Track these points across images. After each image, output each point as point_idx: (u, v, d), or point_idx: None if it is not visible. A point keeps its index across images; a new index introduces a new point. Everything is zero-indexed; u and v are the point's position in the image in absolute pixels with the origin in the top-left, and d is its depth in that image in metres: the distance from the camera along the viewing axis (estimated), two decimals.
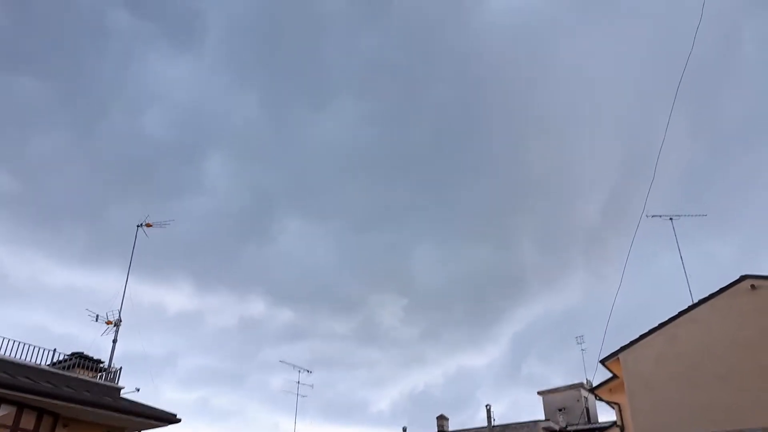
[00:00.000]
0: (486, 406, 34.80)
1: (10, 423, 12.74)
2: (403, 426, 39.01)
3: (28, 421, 13.05)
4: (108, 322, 17.57)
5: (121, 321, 17.65)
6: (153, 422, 15.35)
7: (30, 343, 14.33)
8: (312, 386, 39.99)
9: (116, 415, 14.37)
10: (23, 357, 14.13)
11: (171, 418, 15.50)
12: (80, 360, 15.97)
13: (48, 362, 14.78)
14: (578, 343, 36.27)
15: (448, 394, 67.58)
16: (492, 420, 34.75)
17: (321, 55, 63.91)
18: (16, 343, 14.03)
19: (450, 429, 37.38)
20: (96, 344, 17.68)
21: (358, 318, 71.56)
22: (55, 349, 15.05)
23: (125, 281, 18.45)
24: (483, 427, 34.69)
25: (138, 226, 19.52)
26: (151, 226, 19.62)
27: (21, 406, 12.92)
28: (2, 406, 12.61)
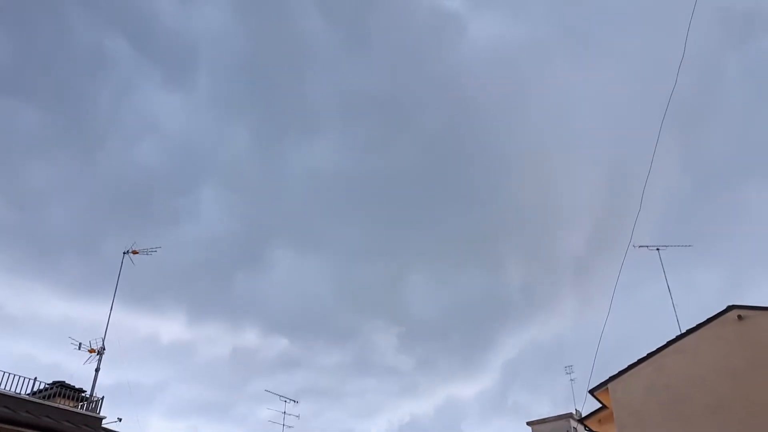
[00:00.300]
0: None
1: None
2: None
3: None
4: (91, 351, 17.27)
5: (104, 349, 17.38)
6: None
7: (10, 371, 14.06)
8: (298, 416, 39.39)
9: None
10: (3, 386, 13.84)
11: None
12: (61, 389, 15.66)
13: (28, 391, 14.48)
14: (567, 373, 36.06)
15: (437, 424, 66.73)
16: None
17: (305, 87, 64.72)
18: None
19: None
20: (81, 374, 17.38)
21: (352, 347, 70.88)
22: (35, 378, 14.78)
23: (110, 309, 18.23)
24: None
25: (124, 253, 19.35)
26: (137, 253, 19.46)
27: None
28: None
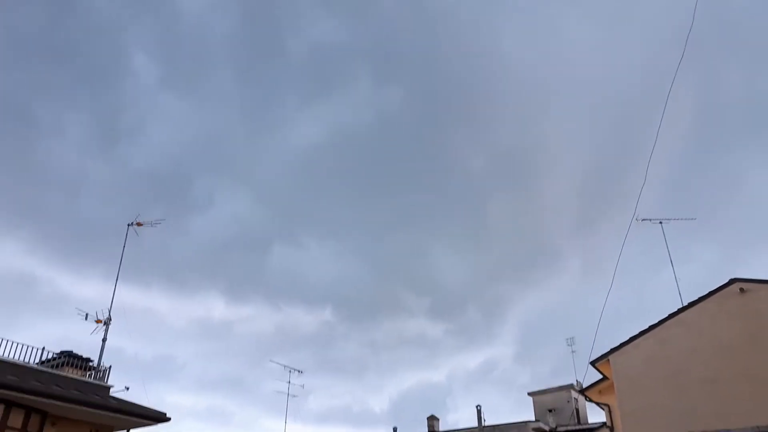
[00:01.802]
0: (477, 406, 34.87)
1: None
2: (393, 426, 39.09)
3: (16, 419, 12.99)
4: (98, 321, 17.49)
5: (111, 320, 17.59)
6: (142, 421, 15.30)
7: (18, 341, 14.26)
8: (303, 386, 39.95)
9: (105, 413, 14.31)
10: (11, 355, 14.05)
11: (160, 417, 15.45)
12: (69, 359, 15.89)
13: (36, 361, 14.70)
14: (569, 345, 36.42)
15: (444, 394, 67.79)
16: (483, 420, 34.84)
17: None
18: (4, 341, 13.96)
19: (440, 429, 37.43)
20: (93, 345, 17.58)
21: (378, 322, 71.95)
22: (44, 348, 14.98)
23: (115, 280, 18.39)
24: (473, 428, 34.76)
25: (129, 225, 19.46)
26: (141, 225, 19.55)
27: (9, 405, 12.85)
28: None
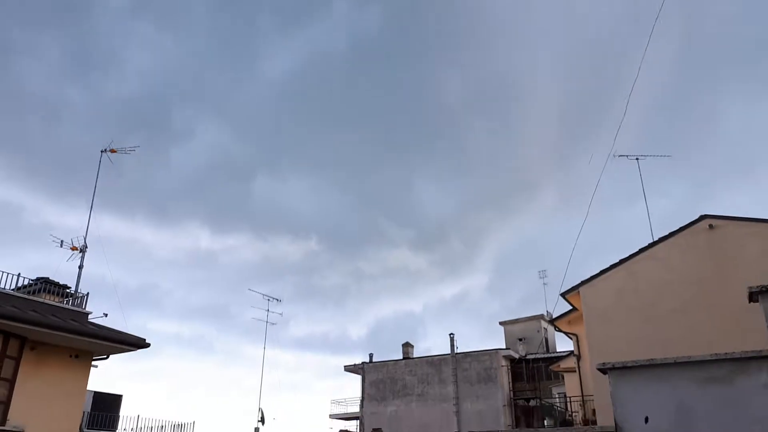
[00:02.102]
0: (450, 334, 35.97)
1: None
2: (369, 353, 40.22)
3: None
4: (73, 248, 17.35)
5: (86, 247, 17.46)
6: (121, 346, 15.44)
7: None
8: (281, 314, 40.62)
9: (84, 338, 14.40)
10: None
11: (140, 343, 15.61)
12: (45, 285, 15.83)
13: (12, 287, 14.61)
14: (540, 277, 37.39)
15: (420, 323, 69.66)
16: (455, 347, 35.97)
17: None
18: None
19: (415, 356, 38.64)
20: (73, 275, 17.48)
21: (362, 253, 72.69)
22: (19, 274, 14.86)
23: (90, 208, 18.14)
24: (446, 354, 35.94)
25: (102, 151, 19.02)
26: (115, 152, 19.12)
27: None
28: None
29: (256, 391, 27.86)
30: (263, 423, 28.20)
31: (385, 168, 74.87)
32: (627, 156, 19.98)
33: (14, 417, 13.09)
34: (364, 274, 75.68)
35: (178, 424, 17.16)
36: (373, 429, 29.69)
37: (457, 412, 33.95)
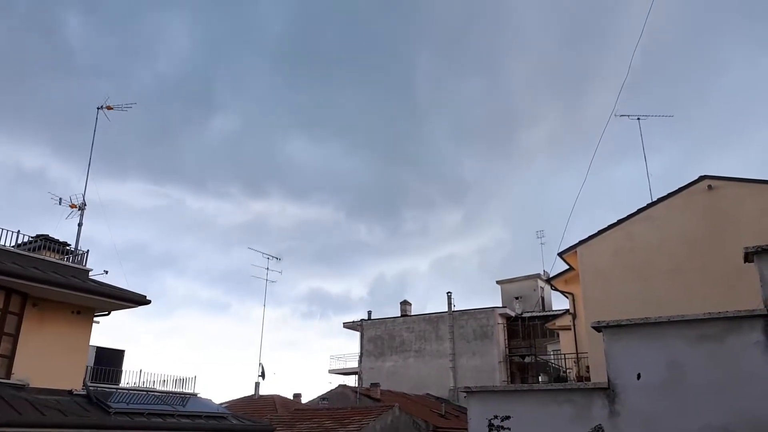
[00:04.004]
0: (447, 293, 36.39)
1: None
2: (368, 310, 40.75)
3: None
4: (72, 206, 17.36)
5: (85, 205, 17.47)
6: (122, 303, 15.62)
7: None
8: (281, 272, 40.92)
9: (85, 295, 14.55)
10: None
11: (140, 299, 15.79)
12: (46, 242, 15.89)
13: (12, 244, 14.68)
14: (538, 237, 37.57)
15: (419, 280, 70.39)
16: (452, 306, 36.41)
17: None
18: None
19: (412, 314, 39.16)
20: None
21: (372, 212, 73.07)
22: (18, 231, 14.91)
23: (87, 165, 18.08)
24: (444, 312, 36.42)
25: (98, 108, 18.82)
26: (111, 108, 18.93)
27: None
28: None
29: (259, 347, 28.35)
30: (263, 378, 28.84)
31: (399, 125, 74.67)
32: (629, 116, 19.82)
33: (19, 371, 13.33)
34: (372, 232, 76.10)
35: (180, 379, 17.50)
36: (371, 383, 30.31)
37: (453, 368, 34.61)
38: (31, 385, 13.29)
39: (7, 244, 14.42)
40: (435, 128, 76.91)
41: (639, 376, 5.91)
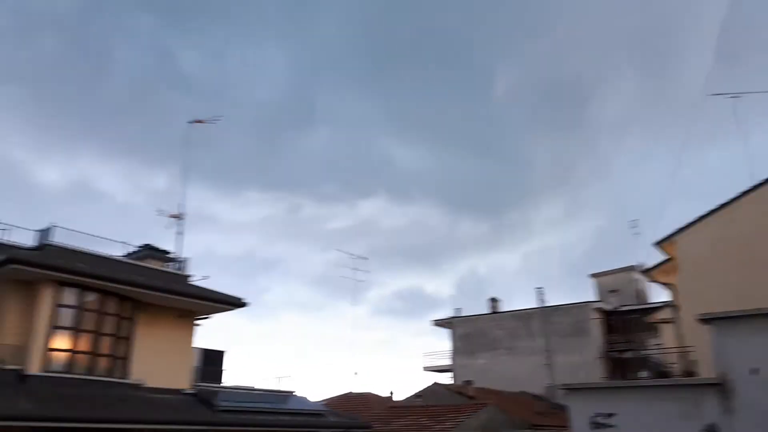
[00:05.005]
0: (537, 288, 35.58)
1: (95, 307, 13.88)
2: (456, 307, 40.53)
3: (111, 306, 14.18)
4: (171, 216, 18.40)
5: (184, 215, 18.47)
6: (221, 306, 16.43)
7: (103, 236, 15.21)
8: (369, 272, 41.51)
9: (187, 299, 15.44)
10: (99, 250, 15.05)
11: (238, 302, 16.53)
12: (150, 251, 16.91)
13: (122, 254, 15.75)
14: (632, 227, 36.00)
15: (508, 276, 69.45)
16: (543, 301, 35.61)
17: None
18: (91, 237, 14.91)
19: (501, 310, 38.62)
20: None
21: (467, 210, 73.60)
22: (125, 242, 15.98)
23: (181, 177, 19.11)
24: (534, 308, 35.67)
25: (189, 123, 19.89)
26: (201, 122, 19.94)
27: (104, 293, 14.00)
28: (88, 293, 13.70)
29: (352, 346, 28.95)
30: (355, 376, 29.45)
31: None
32: (723, 94, 18.59)
33: (135, 372, 14.30)
34: (461, 228, 75.83)
35: (277, 377, 18.19)
36: (464, 381, 30.17)
37: (549, 365, 33.82)
38: (146, 385, 14.24)
39: (117, 254, 15.49)
40: (513, 119, 75.61)
41: (755, 371, 5.58)
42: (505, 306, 39.09)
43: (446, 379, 37.65)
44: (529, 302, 36.92)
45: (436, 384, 30.02)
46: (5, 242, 14.04)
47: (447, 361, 39.46)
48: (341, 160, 76.26)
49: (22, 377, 12.26)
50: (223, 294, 16.46)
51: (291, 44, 75.18)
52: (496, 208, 78.71)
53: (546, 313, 35.04)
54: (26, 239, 14.40)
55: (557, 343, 34.20)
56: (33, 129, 63.15)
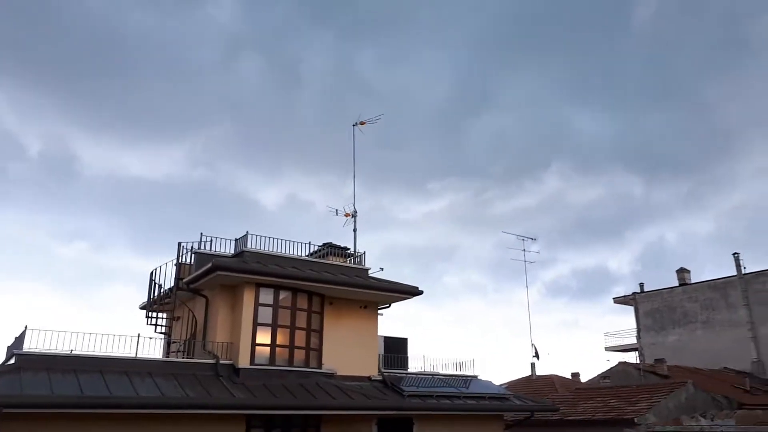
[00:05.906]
0: (734, 254, 32.37)
1: (288, 304, 15.29)
2: (640, 282, 38.15)
3: (302, 302, 15.53)
4: (346, 215, 19.55)
5: (357, 213, 19.53)
6: (399, 295, 17.19)
7: (288, 239, 16.60)
8: (538, 252, 40.62)
9: (368, 291, 16.38)
10: (286, 251, 16.47)
11: (414, 291, 17.18)
12: (330, 249, 18.12)
13: (306, 253, 17.07)
14: None
15: (698, 246, 63.98)
16: (742, 268, 32.33)
17: None
18: (278, 240, 16.34)
19: (692, 281, 35.71)
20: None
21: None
22: (309, 242, 17.27)
23: (353, 177, 20.17)
24: (732, 276, 32.45)
25: (353, 125, 20.91)
26: (365, 123, 20.86)
27: (295, 291, 15.35)
28: (282, 292, 15.15)
29: (529, 329, 28.40)
30: (538, 358, 28.89)
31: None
32: None
33: (327, 361, 15.50)
34: (633, 197, 70.99)
35: (459, 362, 18.54)
36: (656, 359, 28.36)
37: (754, 338, 30.61)
38: (338, 373, 15.38)
39: (303, 254, 16.82)
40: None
41: None
42: (694, 278, 36.04)
43: (631, 358, 35.66)
44: (722, 271, 33.61)
45: (623, 363, 28.60)
46: (209, 252, 15.88)
47: (631, 340, 37.34)
48: (518, 138, 74.86)
49: (236, 370, 13.90)
50: (400, 284, 17.20)
51: (451, 39, 75.15)
52: (697, 163, 71.88)
53: (747, 280, 31.74)
54: (225, 248, 16.16)
55: (764, 313, 30.85)
56: (244, 154, 70.05)
